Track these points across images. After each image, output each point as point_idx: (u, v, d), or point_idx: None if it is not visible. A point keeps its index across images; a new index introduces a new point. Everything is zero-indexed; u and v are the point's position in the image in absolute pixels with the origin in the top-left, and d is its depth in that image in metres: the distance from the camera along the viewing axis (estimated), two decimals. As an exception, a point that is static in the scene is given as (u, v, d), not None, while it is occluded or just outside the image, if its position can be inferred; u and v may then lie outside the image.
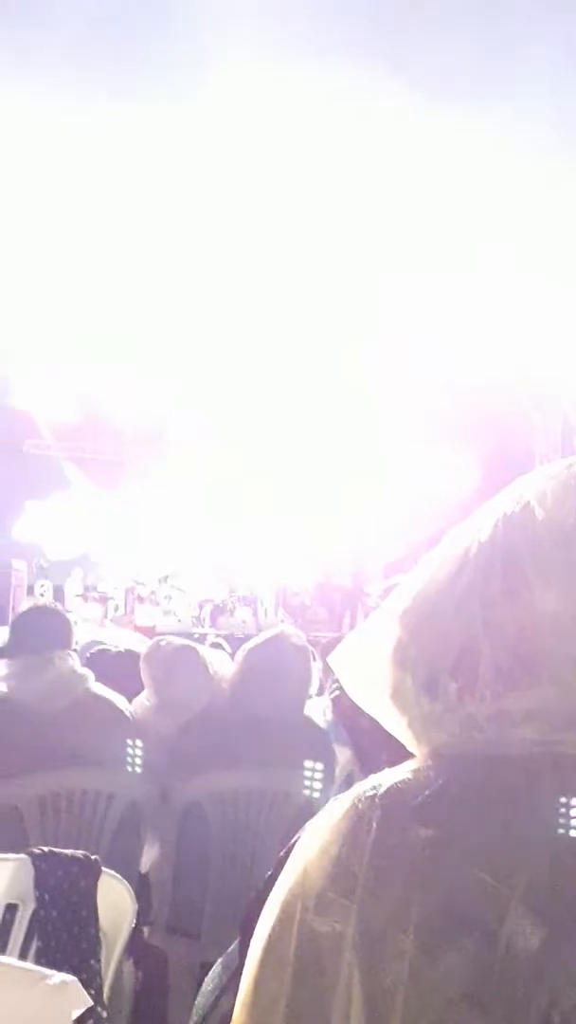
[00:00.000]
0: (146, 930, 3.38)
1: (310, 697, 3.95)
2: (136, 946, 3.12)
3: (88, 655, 4.66)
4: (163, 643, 3.93)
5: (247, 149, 11.78)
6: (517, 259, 12.21)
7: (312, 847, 1.10)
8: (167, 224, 12.59)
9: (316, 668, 4.06)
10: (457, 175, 11.76)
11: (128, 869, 3.10)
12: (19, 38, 10.66)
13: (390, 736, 1.17)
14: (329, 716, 3.97)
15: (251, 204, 12.25)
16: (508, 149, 11.20)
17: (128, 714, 3.66)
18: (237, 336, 13.80)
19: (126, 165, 12.03)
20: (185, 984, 3.21)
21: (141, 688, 3.95)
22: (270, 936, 1.09)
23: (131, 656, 4.39)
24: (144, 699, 3.84)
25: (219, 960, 2.00)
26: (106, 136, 11.62)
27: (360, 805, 1.08)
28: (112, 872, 2.13)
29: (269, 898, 1.12)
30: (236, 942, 1.65)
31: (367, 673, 1.17)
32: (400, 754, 1.16)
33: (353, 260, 12.65)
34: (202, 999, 1.96)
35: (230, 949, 1.86)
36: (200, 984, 2.10)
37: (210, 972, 2.07)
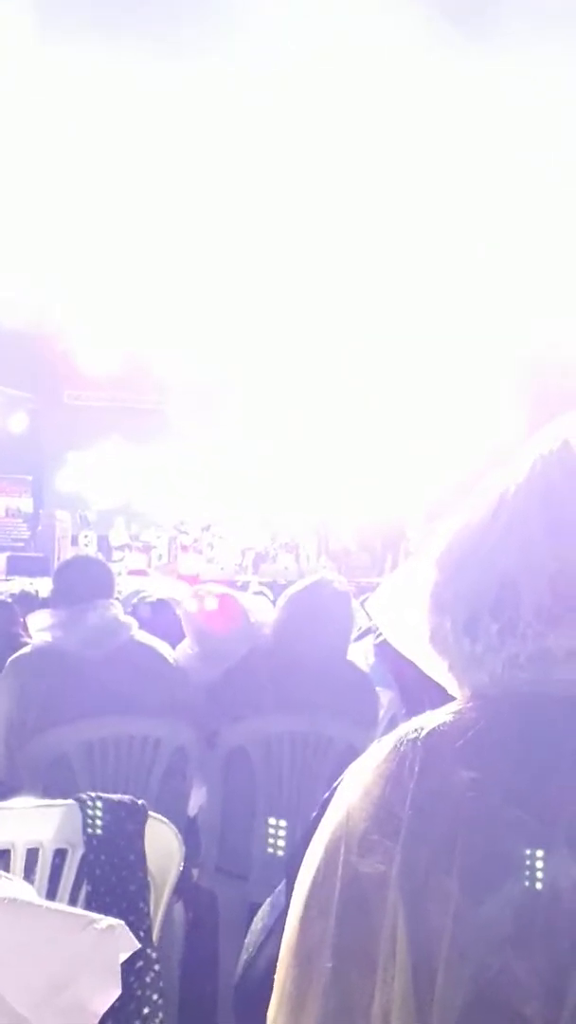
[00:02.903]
0: (195, 872, 3.43)
1: (352, 641, 3.95)
2: (186, 888, 3.18)
3: (131, 604, 4.70)
4: (202, 592, 3.95)
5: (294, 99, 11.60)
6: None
7: (355, 789, 1.10)
8: (211, 176, 12.46)
9: (358, 613, 4.06)
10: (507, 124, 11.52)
11: (176, 813, 3.14)
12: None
13: (434, 680, 1.17)
14: (371, 660, 3.98)
15: (308, 153, 12.08)
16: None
17: (172, 661, 3.69)
18: (280, 283, 13.69)
19: (177, 123, 11.90)
20: (234, 924, 3.26)
21: (182, 636, 3.97)
22: (314, 878, 1.10)
23: (171, 604, 4.41)
24: (187, 647, 3.87)
25: (267, 900, 2.02)
26: (162, 97, 11.48)
27: (402, 747, 1.08)
28: (159, 816, 2.15)
29: (313, 840, 1.13)
30: (284, 883, 1.66)
31: (405, 618, 1.17)
32: (444, 697, 1.15)
33: (417, 211, 12.46)
34: (251, 938, 1.98)
35: (278, 889, 1.87)
36: (249, 924, 2.12)
37: (259, 912, 2.09)
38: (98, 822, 2.05)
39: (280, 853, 3.34)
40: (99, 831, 2.04)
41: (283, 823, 3.39)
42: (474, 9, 10.89)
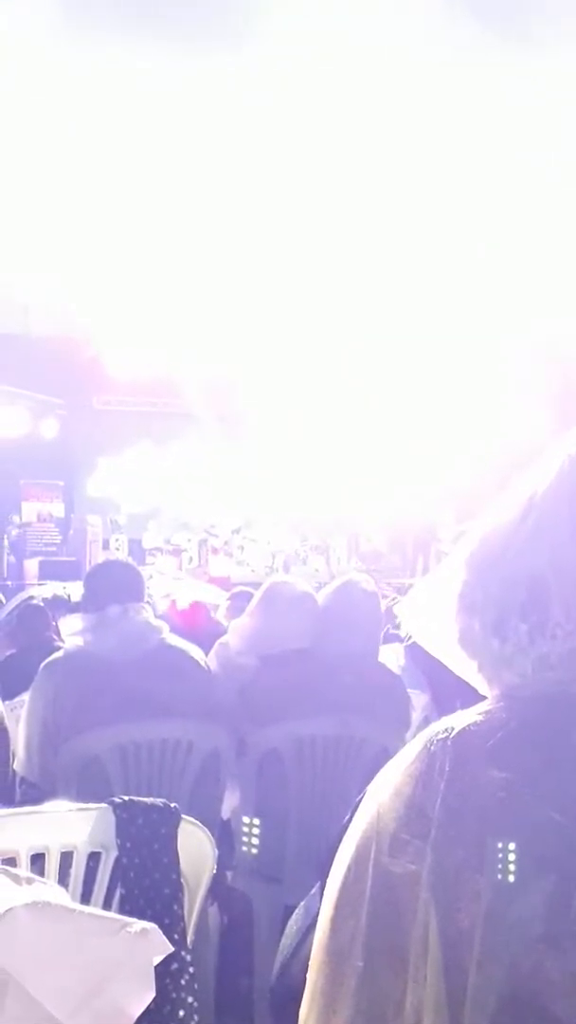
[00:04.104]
0: (230, 875, 3.44)
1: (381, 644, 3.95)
2: (220, 891, 3.18)
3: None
4: (284, 585, 3.92)
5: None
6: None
7: (385, 789, 1.10)
8: (241, 190, 12.48)
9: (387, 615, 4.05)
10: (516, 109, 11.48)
11: (210, 816, 3.14)
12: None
13: (466, 681, 1.17)
14: (403, 662, 3.97)
15: (334, 157, 12.09)
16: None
17: (204, 664, 3.69)
18: (309, 286, 13.69)
19: (203, 126, 11.93)
20: (269, 926, 3.27)
21: (213, 638, 3.98)
22: (345, 877, 1.10)
23: (201, 607, 4.41)
24: (234, 638, 3.85)
25: (302, 903, 2.02)
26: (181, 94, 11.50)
27: (433, 747, 1.08)
28: (191, 819, 2.16)
29: (344, 840, 1.13)
30: (318, 885, 1.67)
31: (435, 620, 1.17)
32: (478, 698, 1.15)
33: (439, 199, 12.41)
34: (286, 940, 1.98)
35: (312, 891, 1.88)
36: (284, 926, 2.12)
37: (293, 914, 2.09)
38: (131, 826, 2.06)
39: (255, 851, 3.35)
40: (133, 834, 2.05)
41: (257, 821, 3.39)
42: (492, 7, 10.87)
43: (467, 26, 10.54)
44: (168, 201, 12.87)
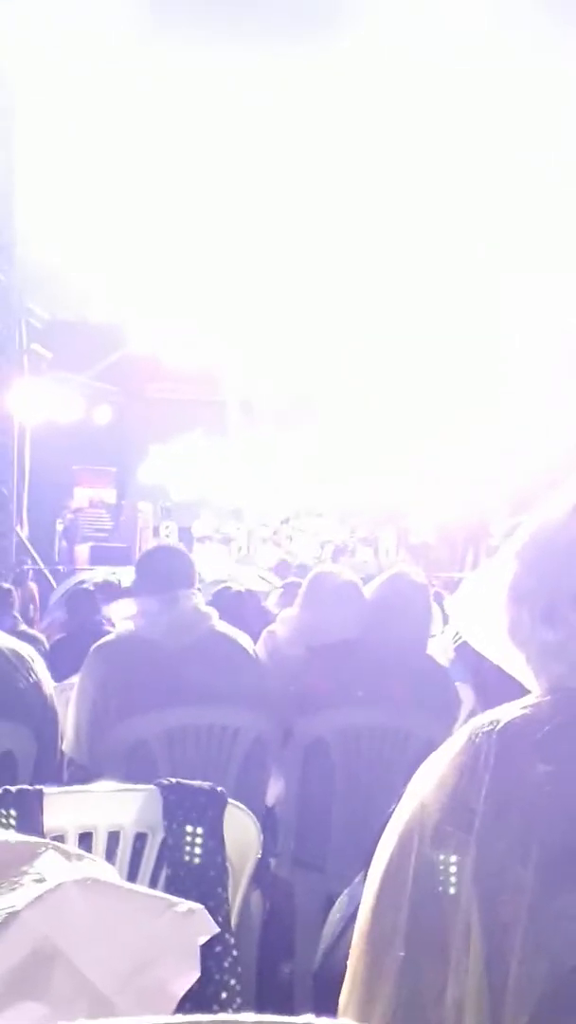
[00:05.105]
0: (273, 862, 3.45)
1: (432, 636, 3.94)
2: (263, 877, 3.20)
3: (212, 594, 4.74)
4: (328, 575, 3.94)
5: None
6: None
7: (429, 780, 1.11)
8: (285, 173, 12.50)
9: (436, 607, 4.05)
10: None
11: (254, 802, 3.16)
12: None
13: (513, 679, 1.17)
14: (452, 655, 3.96)
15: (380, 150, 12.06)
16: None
17: (252, 652, 3.71)
18: (360, 279, 13.67)
19: (254, 130, 11.96)
20: (311, 914, 3.28)
21: (262, 626, 3.99)
22: (388, 867, 1.11)
23: (252, 595, 4.43)
24: (283, 625, 3.87)
25: (345, 891, 2.03)
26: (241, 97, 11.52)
27: (477, 740, 1.08)
28: (238, 804, 2.17)
29: (387, 831, 1.14)
30: (361, 874, 1.68)
31: (484, 614, 1.17)
32: (522, 694, 1.15)
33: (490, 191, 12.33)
34: (329, 928, 2.00)
35: (356, 880, 1.88)
36: (326, 915, 2.13)
37: (336, 903, 2.10)
38: (178, 808, 2.08)
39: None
40: (179, 816, 2.07)
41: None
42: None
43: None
44: (221, 200, 12.93)
